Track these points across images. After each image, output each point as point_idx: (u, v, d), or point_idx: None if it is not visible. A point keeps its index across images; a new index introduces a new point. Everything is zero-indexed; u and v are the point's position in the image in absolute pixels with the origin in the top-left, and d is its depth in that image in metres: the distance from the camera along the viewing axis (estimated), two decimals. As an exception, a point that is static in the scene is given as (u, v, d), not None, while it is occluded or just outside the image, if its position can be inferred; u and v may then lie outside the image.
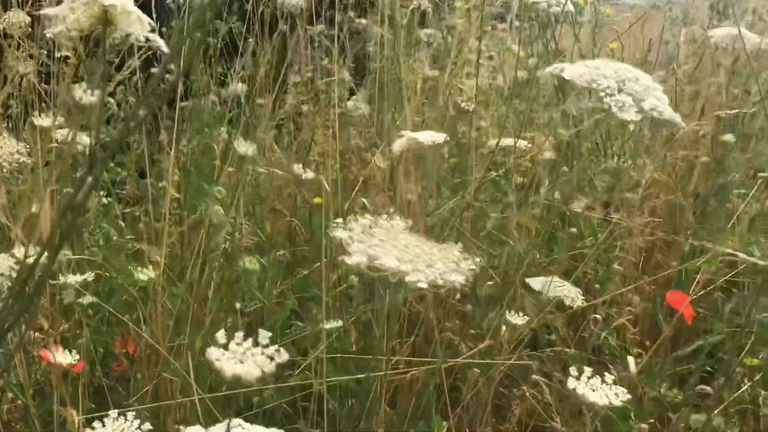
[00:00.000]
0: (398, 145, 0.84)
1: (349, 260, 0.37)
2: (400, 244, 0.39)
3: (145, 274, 0.99)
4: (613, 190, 1.55)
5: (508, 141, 1.24)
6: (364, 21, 1.24)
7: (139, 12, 0.49)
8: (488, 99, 1.39)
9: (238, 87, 1.50)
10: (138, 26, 0.48)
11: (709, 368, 1.06)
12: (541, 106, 1.48)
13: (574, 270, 1.30)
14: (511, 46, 1.60)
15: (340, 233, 0.39)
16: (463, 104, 0.82)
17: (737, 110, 0.98)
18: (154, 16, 1.79)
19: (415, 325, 1.24)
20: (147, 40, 0.50)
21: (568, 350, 1.06)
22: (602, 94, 0.49)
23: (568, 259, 1.19)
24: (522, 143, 1.27)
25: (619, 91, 0.48)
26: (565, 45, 1.96)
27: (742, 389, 1.01)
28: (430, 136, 0.83)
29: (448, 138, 0.85)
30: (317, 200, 1.37)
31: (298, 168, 1.11)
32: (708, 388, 1.04)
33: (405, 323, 1.26)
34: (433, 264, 0.38)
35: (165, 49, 0.51)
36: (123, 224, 1.47)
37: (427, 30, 1.37)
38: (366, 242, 0.38)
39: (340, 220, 0.40)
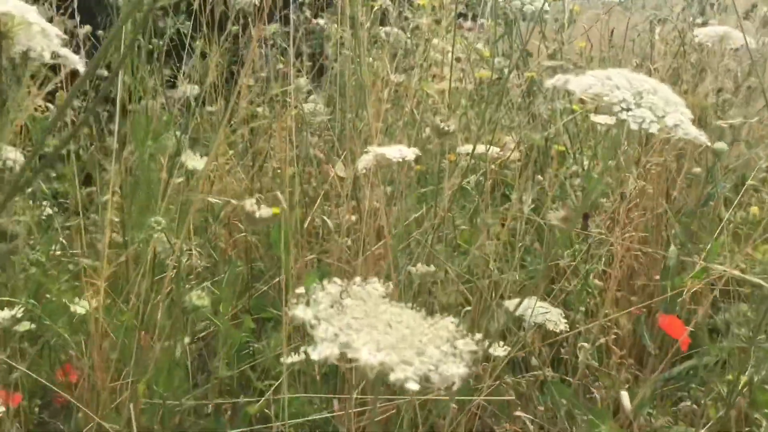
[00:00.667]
0: (364, 163, 0.75)
1: (315, 353, 0.28)
2: (381, 322, 0.30)
3: (82, 306, 0.89)
4: (587, 197, 1.49)
5: (479, 147, 1.17)
6: (321, 21, 1.14)
7: (44, 23, 0.39)
8: (456, 102, 1.31)
9: (188, 89, 1.39)
10: (41, 40, 0.38)
11: (698, 388, 0.99)
12: (509, 108, 1.41)
13: (551, 283, 1.24)
14: (477, 45, 1.53)
15: (301, 313, 0.30)
16: (443, 126, 0.73)
17: (738, 120, 0.91)
18: (98, 19, 1.66)
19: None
20: (56, 56, 0.41)
21: (548, 374, 0.98)
22: (617, 108, 0.41)
23: (545, 273, 1.12)
24: (494, 150, 1.19)
25: (637, 105, 0.41)
26: (533, 43, 1.90)
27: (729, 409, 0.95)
28: (399, 152, 0.74)
29: (419, 153, 0.76)
30: (275, 210, 1.28)
31: (250, 204, 1.00)
32: (695, 407, 0.98)
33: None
34: (424, 350, 0.29)
35: (80, 67, 0.41)
36: (63, 240, 1.36)
37: (387, 29, 1.28)
38: (336, 323, 0.30)
39: (301, 290, 0.31)
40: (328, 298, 0.32)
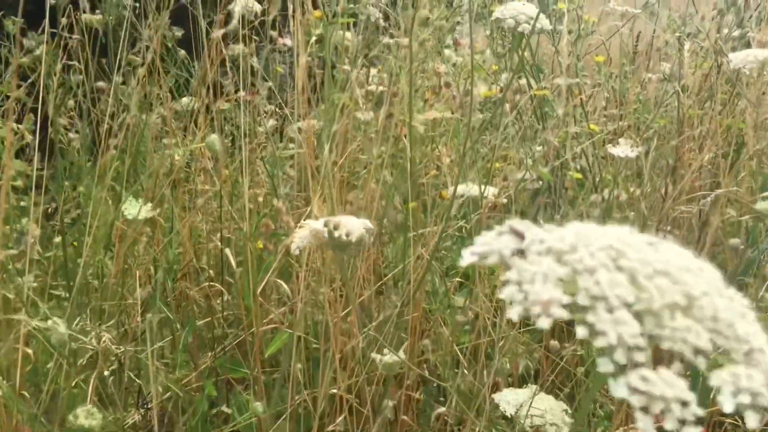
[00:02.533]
0: (299, 241, 0.57)
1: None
2: None
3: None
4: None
5: (472, 188, 0.98)
6: (288, 42, 0.97)
7: None
8: (449, 130, 1.13)
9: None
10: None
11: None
12: (516, 137, 1.22)
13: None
14: (480, 63, 1.34)
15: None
16: (338, 234, 0.54)
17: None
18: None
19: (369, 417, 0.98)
20: None
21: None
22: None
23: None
24: (491, 190, 1.01)
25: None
26: (545, 53, 1.70)
27: None
28: (344, 227, 0.56)
29: (372, 227, 0.58)
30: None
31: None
32: None
33: (355, 414, 1.00)
34: None
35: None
36: None
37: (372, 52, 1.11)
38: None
39: None
40: None
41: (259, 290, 0.85)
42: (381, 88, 1.11)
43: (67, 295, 0.97)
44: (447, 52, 1.38)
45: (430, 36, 0.90)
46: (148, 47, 1.00)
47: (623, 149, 1.08)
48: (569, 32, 1.29)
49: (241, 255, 1.03)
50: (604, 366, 0.20)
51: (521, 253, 0.22)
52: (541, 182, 1.37)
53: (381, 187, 0.90)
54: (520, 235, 0.23)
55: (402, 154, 1.08)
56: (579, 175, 1.43)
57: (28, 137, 1.34)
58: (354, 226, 0.59)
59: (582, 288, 0.21)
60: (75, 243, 1.01)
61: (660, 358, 0.21)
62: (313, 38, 0.84)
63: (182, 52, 1.14)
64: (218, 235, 1.11)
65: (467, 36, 1.14)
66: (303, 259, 0.82)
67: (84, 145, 1.16)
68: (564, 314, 0.20)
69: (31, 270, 0.87)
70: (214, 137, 0.67)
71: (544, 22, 0.85)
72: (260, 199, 1.10)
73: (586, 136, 1.40)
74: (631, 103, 1.45)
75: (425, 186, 1.13)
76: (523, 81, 1.41)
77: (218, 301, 1.16)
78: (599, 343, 0.20)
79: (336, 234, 0.52)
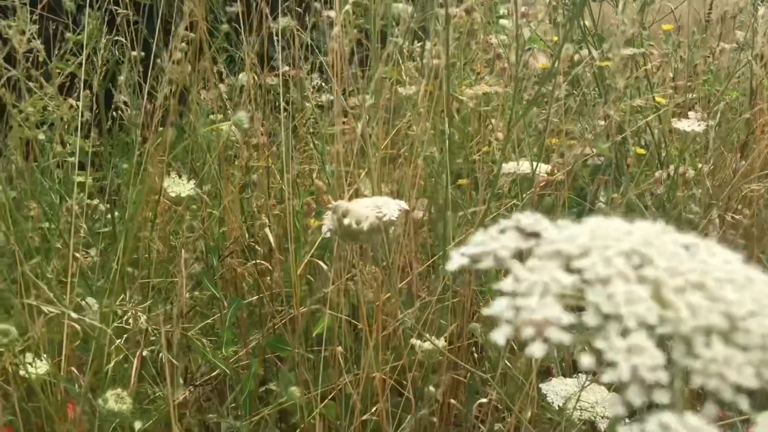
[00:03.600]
0: (329, 223, 0.54)
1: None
2: None
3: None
4: (675, 207, 1.23)
5: (522, 165, 0.94)
6: (332, 14, 0.94)
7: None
8: (502, 105, 1.08)
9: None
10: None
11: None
12: (571, 111, 1.16)
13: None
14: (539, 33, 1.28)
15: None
16: (350, 222, 0.50)
17: None
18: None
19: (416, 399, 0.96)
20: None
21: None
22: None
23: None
24: (543, 167, 0.96)
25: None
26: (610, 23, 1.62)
27: None
28: (375, 208, 0.53)
29: (406, 207, 0.55)
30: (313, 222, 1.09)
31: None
32: None
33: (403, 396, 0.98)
34: None
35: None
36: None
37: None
38: None
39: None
40: None
41: (306, 269, 0.83)
42: (435, 60, 1.07)
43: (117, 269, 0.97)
44: (503, 22, 1.32)
45: (477, 4, 0.85)
46: (193, 24, 0.98)
47: (689, 123, 1.01)
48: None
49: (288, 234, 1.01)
50: (613, 407, 0.16)
51: (524, 255, 0.19)
52: (602, 158, 1.31)
53: (427, 164, 0.86)
54: (525, 233, 0.19)
55: (453, 130, 1.04)
56: (642, 151, 1.35)
57: (86, 114, 1.35)
58: (390, 207, 0.56)
59: (591, 303, 0.17)
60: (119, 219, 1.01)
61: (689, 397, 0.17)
62: (347, 6, 0.80)
63: (224, 26, 1.12)
64: (267, 212, 1.09)
65: (525, 4, 1.08)
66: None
67: (136, 121, 1.16)
68: (566, 338, 0.16)
69: (77, 246, 0.87)
70: (242, 114, 0.64)
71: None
72: (314, 175, 1.08)
73: (651, 109, 1.32)
74: (701, 74, 1.37)
75: (477, 163, 1.09)
76: (585, 52, 1.34)
77: (268, 279, 1.15)
78: (607, 378, 0.16)
79: (345, 222, 0.49)
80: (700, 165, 1.27)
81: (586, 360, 0.16)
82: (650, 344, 0.16)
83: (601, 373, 0.16)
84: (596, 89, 1.34)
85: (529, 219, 0.20)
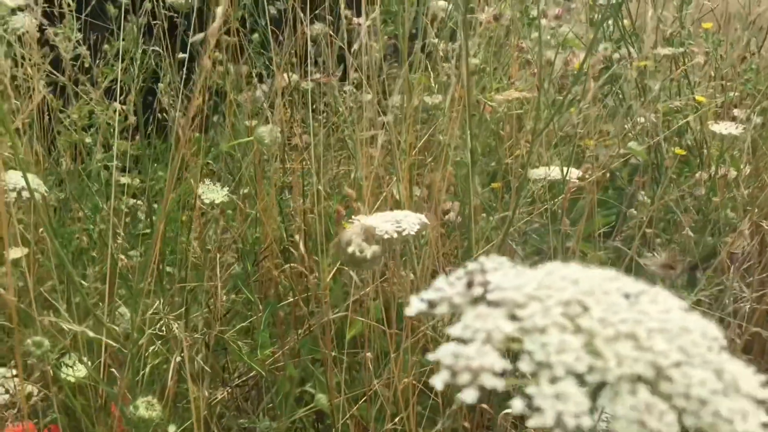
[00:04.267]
0: (350, 239, 0.55)
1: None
2: None
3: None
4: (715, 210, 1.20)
5: (553, 170, 0.93)
6: (362, 21, 0.95)
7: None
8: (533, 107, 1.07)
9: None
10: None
11: None
12: (605, 114, 1.15)
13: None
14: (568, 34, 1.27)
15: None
16: (355, 250, 0.50)
17: None
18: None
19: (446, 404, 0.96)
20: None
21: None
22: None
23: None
24: (574, 172, 0.95)
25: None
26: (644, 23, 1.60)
27: None
28: (394, 222, 0.54)
29: (427, 222, 0.56)
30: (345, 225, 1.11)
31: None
32: None
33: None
34: None
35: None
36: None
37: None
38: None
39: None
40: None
41: (339, 273, 0.84)
42: (474, 60, 1.07)
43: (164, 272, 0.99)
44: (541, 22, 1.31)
45: (509, 6, 0.85)
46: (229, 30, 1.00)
47: (726, 126, 0.99)
48: (672, -2, 1.20)
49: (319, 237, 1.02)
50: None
51: (477, 301, 0.19)
52: (640, 159, 1.29)
53: (457, 169, 0.87)
54: (479, 281, 0.20)
55: (483, 133, 1.04)
56: (682, 151, 1.33)
57: (132, 118, 1.39)
58: (410, 221, 0.56)
59: (526, 351, 0.17)
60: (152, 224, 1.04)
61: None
62: (375, 13, 0.81)
63: (255, 35, 1.14)
64: (301, 215, 1.11)
65: (557, 6, 1.08)
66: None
67: (174, 126, 1.19)
68: (499, 384, 0.17)
69: (118, 248, 0.90)
70: (263, 129, 0.66)
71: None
72: (351, 176, 1.10)
73: (691, 109, 1.30)
74: (744, 73, 1.34)
75: (509, 166, 1.09)
76: (624, 51, 1.33)
77: (304, 281, 1.16)
78: (533, 422, 0.16)
79: (349, 250, 0.50)
80: (742, 166, 1.24)
81: (517, 404, 0.17)
82: (577, 391, 0.17)
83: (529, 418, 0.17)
84: (635, 89, 1.32)
85: (491, 263, 0.20)
